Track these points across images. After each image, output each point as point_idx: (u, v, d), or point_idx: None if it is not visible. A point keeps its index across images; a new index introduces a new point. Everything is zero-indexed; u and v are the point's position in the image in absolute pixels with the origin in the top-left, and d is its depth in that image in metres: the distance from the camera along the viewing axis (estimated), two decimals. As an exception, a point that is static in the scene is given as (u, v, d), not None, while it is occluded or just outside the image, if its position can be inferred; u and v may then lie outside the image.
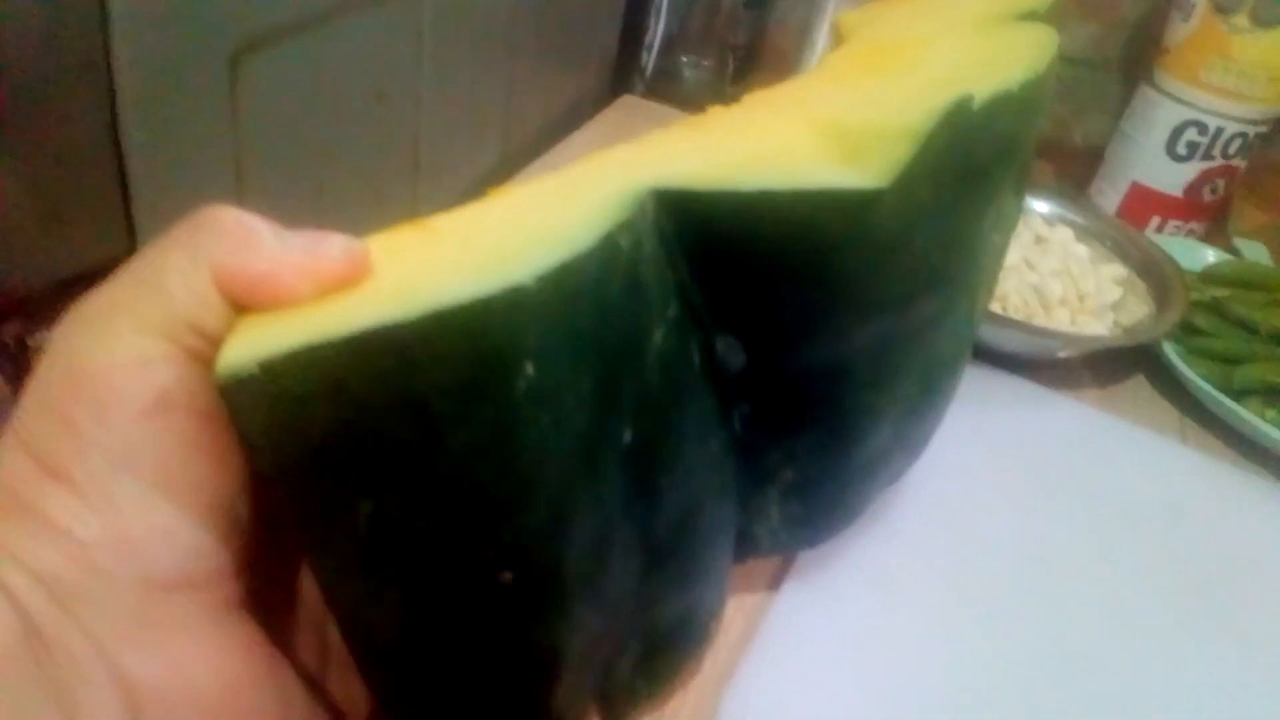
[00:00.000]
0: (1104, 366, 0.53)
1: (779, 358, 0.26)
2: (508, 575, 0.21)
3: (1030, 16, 0.33)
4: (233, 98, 0.35)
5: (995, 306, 0.50)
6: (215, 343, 0.19)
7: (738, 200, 0.23)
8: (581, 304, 0.20)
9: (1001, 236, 0.33)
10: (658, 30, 0.75)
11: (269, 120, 0.38)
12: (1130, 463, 0.45)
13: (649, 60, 0.76)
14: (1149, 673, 0.35)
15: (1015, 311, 0.50)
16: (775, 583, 0.36)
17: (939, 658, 0.34)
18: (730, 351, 0.26)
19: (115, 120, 0.31)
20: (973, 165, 0.27)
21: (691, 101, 0.74)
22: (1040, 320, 0.50)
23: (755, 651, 0.33)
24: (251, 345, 0.18)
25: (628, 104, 0.74)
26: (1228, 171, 0.64)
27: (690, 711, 0.31)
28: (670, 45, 0.76)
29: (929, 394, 0.33)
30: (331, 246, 0.20)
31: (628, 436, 0.23)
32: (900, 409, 0.31)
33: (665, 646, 0.29)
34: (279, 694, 0.21)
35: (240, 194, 0.37)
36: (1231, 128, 0.62)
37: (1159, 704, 0.34)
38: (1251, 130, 0.62)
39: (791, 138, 0.25)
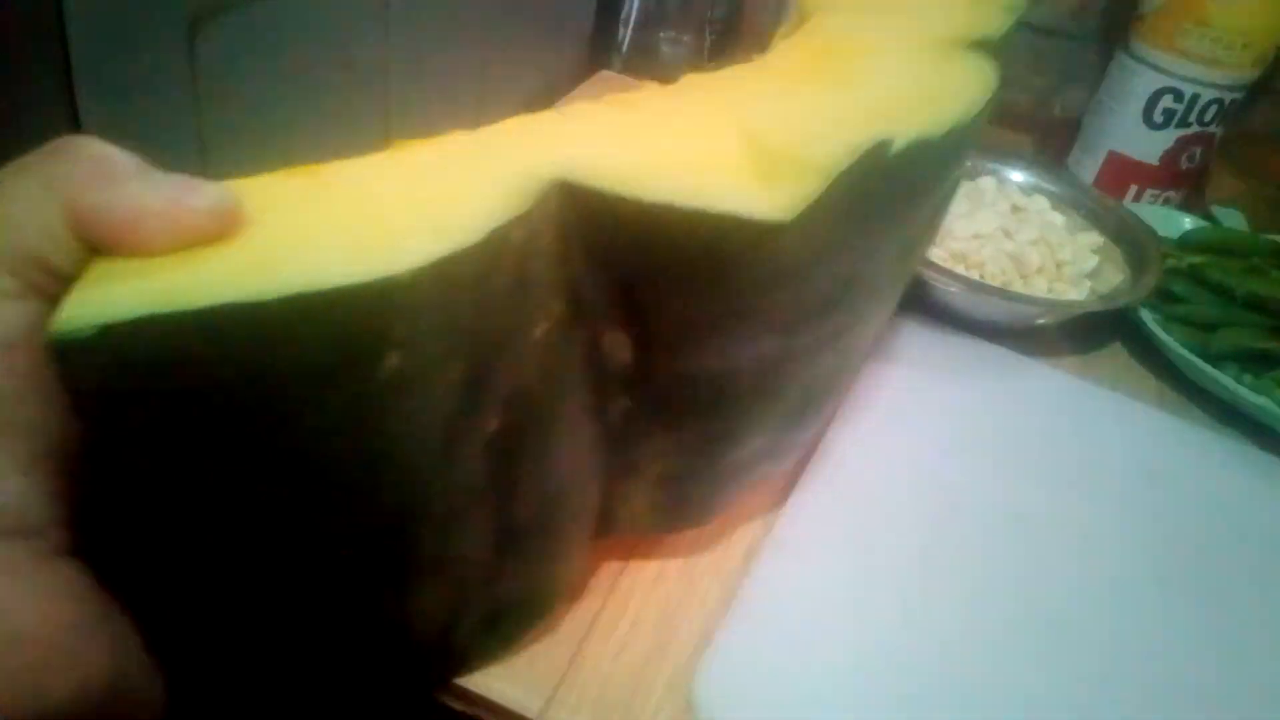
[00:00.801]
0: (1082, 334, 0.53)
1: (665, 361, 0.27)
2: (349, 552, 0.21)
3: (982, 45, 0.33)
4: (192, 65, 0.34)
5: (973, 274, 0.50)
6: (65, 281, 0.18)
7: (641, 208, 0.22)
8: (458, 297, 0.20)
9: (912, 261, 0.34)
10: (634, 5, 0.74)
11: (232, 90, 0.37)
12: (1108, 429, 0.45)
13: (625, 35, 0.75)
14: (1127, 637, 0.35)
15: (993, 280, 0.50)
16: (751, 549, 0.36)
17: (917, 624, 0.34)
18: (617, 347, 0.26)
19: (70, 90, 0.30)
20: (883, 205, 0.27)
21: (668, 77, 0.73)
22: (1018, 288, 0.50)
23: (731, 618, 0.32)
24: (95, 303, 0.17)
25: (604, 80, 0.73)
26: (1204, 139, 0.64)
27: (666, 679, 0.31)
28: (647, 20, 0.75)
29: (809, 407, 0.33)
30: (200, 197, 0.18)
31: (494, 425, 0.23)
32: (778, 419, 0.31)
33: (509, 616, 0.29)
34: (111, 644, 0.20)
35: (204, 167, 0.37)
36: (1207, 94, 0.62)
37: (1138, 668, 0.34)
38: (1227, 96, 0.62)
39: (712, 144, 0.25)
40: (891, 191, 0.27)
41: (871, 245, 0.28)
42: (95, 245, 0.18)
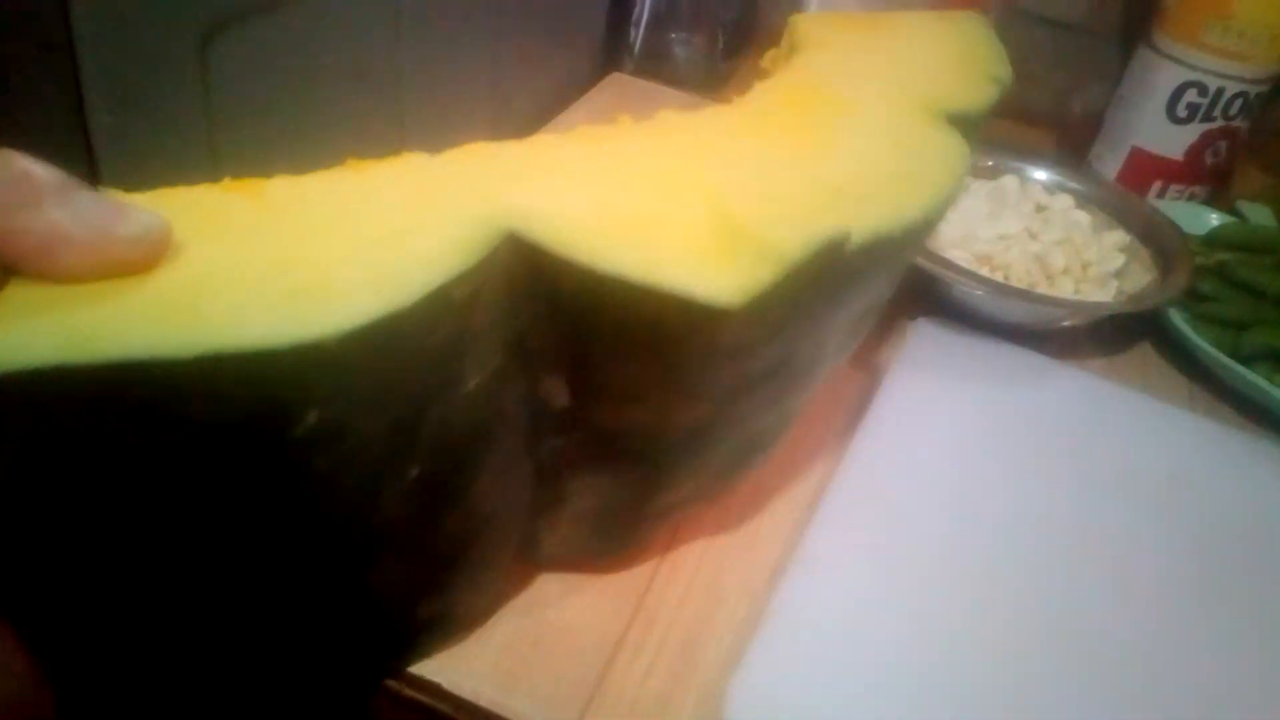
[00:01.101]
0: (1109, 335, 0.52)
1: (601, 411, 0.27)
2: (256, 600, 0.21)
3: (963, 119, 0.33)
4: (204, 78, 0.34)
5: (998, 276, 0.49)
6: None
7: (591, 276, 0.22)
8: (388, 358, 0.19)
9: (865, 325, 0.34)
10: (645, 6, 0.74)
11: (244, 102, 0.36)
12: (1138, 432, 0.44)
13: (637, 37, 0.74)
14: (1160, 644, 0.34)
15: (1018, 281, 0.49)
16: (778, 566, 0.35)
17: (947, 634, 0.33)
18: (554, 392, 0.26)
19: (81, 103, 0.30)
20: (835, 291, 0.27)
21: (681, 79, 0.73)
22: (1043, 290, 0.49)
23: (760, 637, 0.32)
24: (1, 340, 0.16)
25: (617, 82, 0.73)
26: (1229, 133, 0.63)
27: (695, 700, 0.30)
28: (659, 22, 0.74)
29: (745, 459, 0.33)
30: (126, 225, 0.17)
31: (414, 472, 0.22)
32: (712, 469, 0.31)
33: (426, 635, 0.29)
34: None
35: (216, 178, 0.36)
36: (1232, 88, 0.60)
37: (1169, 673, 0.33)
38: (1253, 90, 0.61)
39: (673, 209, 0.25)
40: (845, 279, 0.27)
41: (819, 325, 0.29)
42: (9, 269, 0.17)
